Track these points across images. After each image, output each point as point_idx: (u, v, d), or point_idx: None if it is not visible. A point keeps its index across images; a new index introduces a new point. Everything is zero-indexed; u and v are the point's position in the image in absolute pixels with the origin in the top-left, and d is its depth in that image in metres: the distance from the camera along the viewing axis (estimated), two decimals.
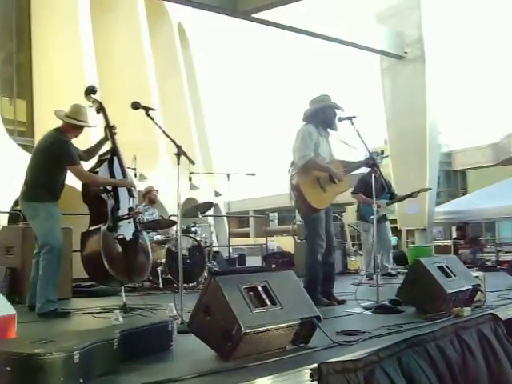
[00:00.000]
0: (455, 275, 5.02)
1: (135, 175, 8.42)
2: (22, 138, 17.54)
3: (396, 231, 25.37)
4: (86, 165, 5.66)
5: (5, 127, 15.86)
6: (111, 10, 21.17)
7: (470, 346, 4.03)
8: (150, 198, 9.12)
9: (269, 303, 3.30)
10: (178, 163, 4.65)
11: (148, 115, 4.82)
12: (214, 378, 2.83)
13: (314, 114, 5.77)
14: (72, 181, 5.59)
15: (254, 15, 10.87)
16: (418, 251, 11.63)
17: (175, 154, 4.59)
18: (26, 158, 6.14)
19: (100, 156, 5.80)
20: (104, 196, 5.56)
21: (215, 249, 13.70)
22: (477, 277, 5.40)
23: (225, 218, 27.62)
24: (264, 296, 3.31)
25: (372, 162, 5.62)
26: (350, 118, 5.46)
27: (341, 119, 5.61)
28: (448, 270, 5.01)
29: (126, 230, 5.56)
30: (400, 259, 11.44)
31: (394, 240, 33.30)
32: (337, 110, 5.79)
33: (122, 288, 5.49)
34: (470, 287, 5.08)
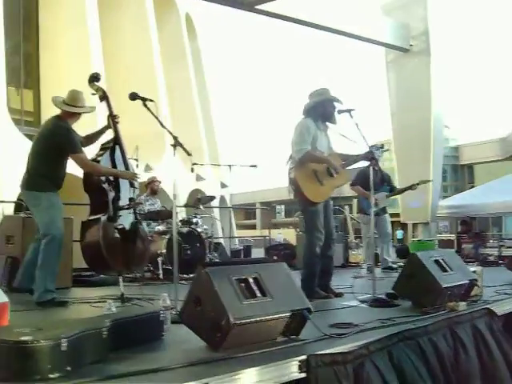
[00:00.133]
0: (452, 269, 5.01)
1: (137, 166, 8.45)
2: (29, 128, 17.54)
3: (402, 225, 25.36)
4: (89, 153, 5.65)
5: (11, 117, 15.89)
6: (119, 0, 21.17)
7: (463, 341, 4.04)
8: (152, 188, 9.14)
9: (259, 295, 3.31)
10: (174, 154, 4.66)
11: (145, 106, 4.81)
12: (202, 368, 2.83)
13: (313, 108, 5.76)
14: (74, 169, 5.57)
15: (258, 6, 10.84)
16: (421, 245, 11.65)
17: (172, 145, 4.60)
18: None
19: (102, 145, 5.79)
20: (105, 186, 5.56)
21: (221, 240, 13.76)
22: (474, 271, 5.39)
23: (231, 210, 27.64)
24: (255, 288, 3.32)
25: (371, 155, 5.61)
26: (348, 111, 5.45)
27: (340, 112, 5.60)
28: (445, 264, 5.00)
29: (126, 219, 5.57)
30: (402, 253, 11.45)
31: (399, 234, 33.36)
32: (336, 103, 5.78)
33: (120, 278, 5.51)
34: (467, 282, 5.07)
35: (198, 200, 8.84)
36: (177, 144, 4.62)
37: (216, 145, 28.04)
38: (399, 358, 3.44)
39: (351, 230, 12.00)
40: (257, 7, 10.82)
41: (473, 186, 35.50)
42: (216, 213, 20.81)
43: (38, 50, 18.85)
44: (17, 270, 6.33)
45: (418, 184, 9.00)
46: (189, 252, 7.82)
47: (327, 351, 3.15)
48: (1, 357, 2.56)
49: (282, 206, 57.89)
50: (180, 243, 7.74)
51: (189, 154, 4.67)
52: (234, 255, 14.25)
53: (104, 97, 5.68)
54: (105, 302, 5.18)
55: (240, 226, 49.26)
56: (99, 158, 5.57)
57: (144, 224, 8.13)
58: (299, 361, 2.96)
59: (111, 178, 5.58)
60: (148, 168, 17.67)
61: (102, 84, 5.74)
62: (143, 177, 9.76)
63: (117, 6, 21.03)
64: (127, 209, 5.57)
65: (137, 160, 8.65)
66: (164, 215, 8.51)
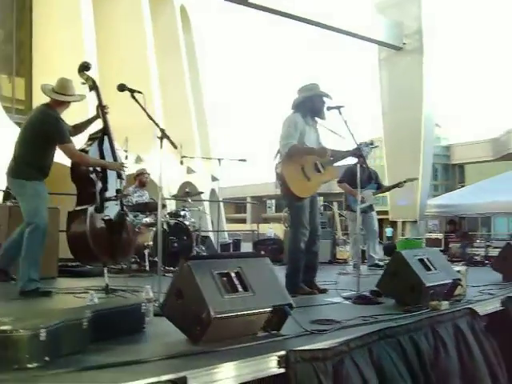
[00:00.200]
0: (436, 268, 5.03)
1: (126, 157, 8.44)
2: (20, 116, 17.48)
3: (392, 223, 25.45)
4: (77, 143, 5.61)
5: (2, 105, 15.83)
6: None
7: (443, 340, 4.05)
8: (140, 180, 9.11)
9: (241, 289, 3.30)
10: (161, 147, 4.64)
11: (133, 97, 4.78)
12: (181, 361, 2.83)
13: (302, 103, 5.77)
14: (61, 158, 5.52)
15: (252, 1, 10.80)
16: (408, 243, 11.68)
17: (158, 138, 4.59)
18: None
19: (91, 135, 5.75)
20: (93, 176, 5.53)
21: (210, 233, 13.78)
22: (458, 271, 5.41)
23: (221, 203, 27.62)
24: (236, 282, 3.32)
25: (359, 152, 5.62)
26: (338, 108, 5.45)
27: (329, 108, 5.60)
28: (429, 263, 5.02)
29: (112, 210, 5.55)
30: (390, 251, 11.49)
31: (389, 231, 33.49)
32: (325, 99, 5.78)
33: (105, 269, 5.51)
34: (450, 281, 5.08)
35: (186, 193, 8.84)
36: (163, 136, 4.61)
37: (208, 138, 28.04)
38: (379, 356, 3.45)
39: (339, 227, 12.02)
40: (250, 1, 10.79)
41: (463, 186, 35.67)
42: (206, 206, 20.82)
43: (30, 39, 18.78)
44: None
45: (404, 182, 9.05)
46: (176, 245, 7.82)
47: (307, 347, 3.16)
48: None
49: (273, 201, 57.96)
50: (167, 236, 7.76)
51: (175, 147, 4.65)
52: (223, 249, 14.30)
53: (94, 86, 5.64)
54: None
55: (230, 220, 49.27)
56: (87, 149, 5.53)
57: (131, 216, 8.14)
58: (278, 356, 2.96)
59: (99, 168, 5.56)
60: (139, 159, 17.66)
61: (94, 74, 5.71)
62: (134, 168, 9.76)
63: None
64: (114, 200, 5.55)
65: (126, 151, 8.66)
66: (152, 207, 8.49)
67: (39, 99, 5.54)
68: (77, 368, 2.61)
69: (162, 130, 4.63)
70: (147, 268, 7.63)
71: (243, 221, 62.59)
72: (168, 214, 8.57)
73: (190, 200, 8.71)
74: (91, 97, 5.77)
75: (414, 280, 4.77)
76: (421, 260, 5.00)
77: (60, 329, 2.79)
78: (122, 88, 4.83)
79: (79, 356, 2.87)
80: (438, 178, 53.60)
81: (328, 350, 3.16)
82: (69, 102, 5.50)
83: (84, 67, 5.65)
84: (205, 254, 8.71)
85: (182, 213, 8.39)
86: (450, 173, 54.12)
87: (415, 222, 15.55)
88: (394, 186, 9.40)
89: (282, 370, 2.96)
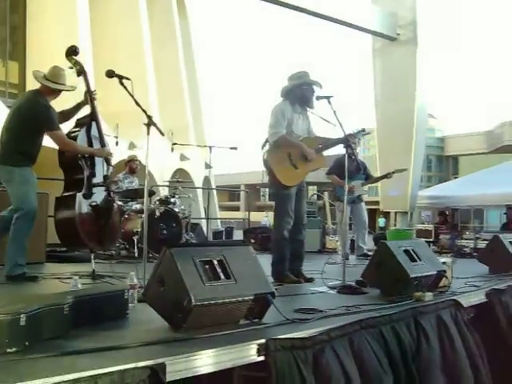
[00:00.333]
0: (421, 260, 5.04)
1: (117, 143, 8.44)
2: (13, 101, 17.39)
3: (384, 213, 25.54)
4: (64, 128, 5.58)
5: None
6: None
7: (426, 331, 4.08)
8: (130, 166, 9.11)
9: (223, 277, 3.31)
10: (148, 133, 4.64)
11: (122, 84, 4.76)
12: (160, 348, 2.85)
13: (291, 91, 5.77)
14: (50, 142, 5.48)
15: None
16: (398, 234, 11.70)
17: (145, 124, 4.58)
18: None
19: (78, 120, 5.74)
20: (81, 162, 5.53)
21: (203, 221, 13.79)
22: (444, 263, 5.43)
23: (214, 191, 27.62)
24: (219, 270, 3.33)
25: (347, 142, 5.62)
26: (327, 98, 5.44)
27: (318, 98, 5.60)
28: (414, 255, 5.03)
29: (99, 196, 5.56)
30: (380, 241, 11.49)
31: (381, 221, 33.54)
32: (315, 88, 5.78)
33: (92, 255, 5.52)
34: (435, 272, 5.11)
35: (176, 181, 8.85)
36: (150, 123, 4.60)
37: (202, 125, 27.94)
38: (360, 346, 3.47)
39: (329, 216, 12.05)
40: None
41: (457, 178, 35.77)
42: (199, 193, 20.81)
43: (24, 22, 18.63)
44: None
45: (393, 172, 9.07)
46: (165, 232, 7.83)
47: (288, 336, 3.18)
48: None
49: (267, 189, 57.92)
50: (156, 223, 7.77)
51: (162, 134, 4.66)
52: (215, 237, 14.33)
53: (82, 71, 5.61)
54: None
55: (223, 208, 49.31)
56: (74, 135, 5.52)
57: (120, 202, 8.15)
58: (258, 344, 2.98)
59: (87, 155, 5.55)
60: (132, 145, 17.59)
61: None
62: (127, 154, 9.76)
63: None
64: (102, 186, 5.55)
65: (117, 137, 8.66)
66: (142, 194, 8.47)
67: (33, 83, 5.52)
68: (56, 353, 2.62)
69: (149, 117, 4.63)
70: (136, 254, 7.64)
71: (237, 208, 62.67)
72: (158, 200, 8.57)
73: (180, 187, 8.70)
74: (80, 82, 5.73)
75: (398, 271, 4.79)
76: (406, 251, 5.01)
77: (40, 314, 2.80)
78: (110, 74, 4.81)
79: (60, 341, 2.88)
80: (432, 170, 53.76)
81: (308, 338, 3.18)
82: (59, 91, 5.47)
83: (72, 51, 5.62)
84: (194, 241, 8.72)
85: (172, 200, 8.39)
86: (444, 164, 54.26)
87: (405, 212, 15.61)
88: (382, 177, 9.44)
89: (262, 358, 2.98)
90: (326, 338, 3.28)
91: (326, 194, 12.47)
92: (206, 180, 24.71)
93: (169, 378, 2.56)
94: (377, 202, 18.14)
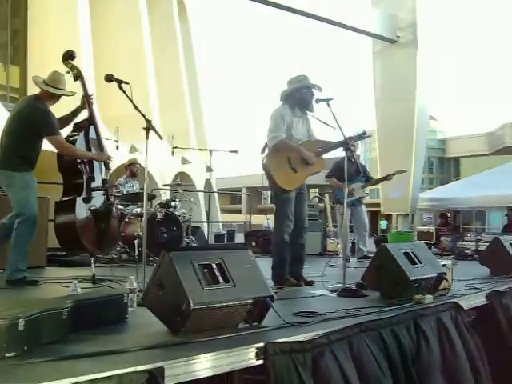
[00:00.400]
0: (421, 262, 5.04)
1: (117, 147, 8.45)
2: (14, 105, 17.43)
3: (386, 215, 25.53)
4: (62, 132, 5.59)
5: None
6: None
7: (425, 334, 4.07)
8: (131, 170, 9.13)
9: (222, 281, 3.32)
10: (147, 137, 4.64)
11: (121, 88, 4.78)
12: (159, 352, 2.85)
13: (291, 95, 5.78)
14: (50, 146, 5.48)
15: None
16: (399, 237, 11.69)
17: (144, 129, 4.59)
18: None
19: (76, 124, 5.73)
20: (80, 167, 5.54)
21: (204, 224, 13.80)
22: (444, 265, 5.43)
23: (216, 194, 27.65)
24: (217, 273, 3.33)
25: (347, 145, 5.62)
26: (326, 101, 5.44)
27: (318, 101, 5.60)
28: (414, 257, 5.03)
29: (98, 200, 5.58)
30: (380, 243, 11.48)
31: (383, 224, 33.53)
32: (315, 91, 5.78)
33: (92, 259, 5.53)
34: (435, 275, 5.10)
35: (177, 185, 8.86)
36: (149, 127, 4.61)
37: (203, 129, 27.99)
38: (359, 349, 3.47)
39: (330, 219, 12.05)
40: None
41: (458, 179, 35.73)
42: (200, 197, 20.83)
43: (26, 26, 18.70)
44: None
45: (393, 174, 9.05)
46: (165, 235, 7.83)
47: (286, 339, 3.17)
48: None
49: (269, 192, 57.72)
50: (157, 226, 7.78)
51: (160, 138, 4.67)
52: (217, 240, 14.33)
53: (78, 76, 5.61)
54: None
55: (225, 211, 49.29)
56: (72, 139, 5.53)
57: (121, 206, 8.16)
58: (257, 348, 2.98)
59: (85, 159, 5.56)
60: (133, 149, 17.62)
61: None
62: (128, 158, 9.77)
63: None
64: (100, 190, 5.56)
65: (117, 141, 8.66)
66: (142, 197, 8.49)
67: (34, 88, 5.53)
68: (54, 357, 2.63)
69: (148, 121, 4.63)
70: (136, 258, 7.63)
71: (239, 211, 62.67)
72: (158, 204, 8.58)
73: (180, 191, 8.71)
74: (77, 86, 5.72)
75: (398, 273, 4.79)
76: (406, 253, 5.01)
77: (39, 318, 2.81)
78: (109, 79, 4.82)
79: (58, 345, 2.89)
80: (434, 172, 53.74)
81: (307, 342, 3.17)
82: (59, 96, 5.48)
83: (68, 56, 5.62)
84: (195, 244, 8.73)
85: (173, 203, 8.40)
86: (446, 166, 54.22)
87: (406, 215, 15.61)
88: (382, 179, 9.43)
89: (261, 362, 2.98)
90: (326, 342, 3.28)
91: (326, 196, 12.46)
92: (208, 183, 24.76)
93: (167, 382, 2.56)
94: (378, 205, 18.14)
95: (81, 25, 18.05)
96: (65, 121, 5.71)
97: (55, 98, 5.48)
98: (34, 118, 5.28)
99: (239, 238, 16.14)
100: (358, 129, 6.27)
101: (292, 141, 5.69)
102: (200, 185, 22.36)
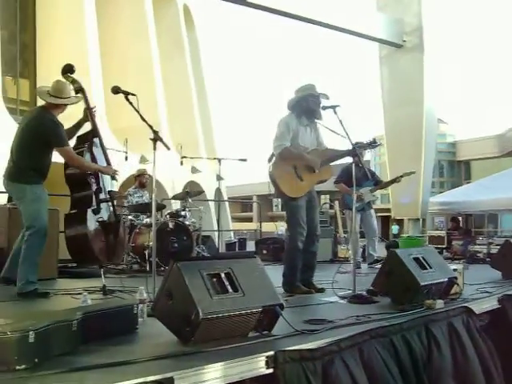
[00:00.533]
0: (431, 267, 5.01)
1: (126, 158, 8.50)
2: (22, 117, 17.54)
3: (398, 220, 25.49)
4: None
5: (6, 106, 15.90)
6: None
7: (437, 339, 4.05)
8: (140, 181, 9.16)
9: (230, 290, 3.32)
10: (155, 148, 4.66)
11: (127, 100, 4.79)
12: (169, 362, 2.86)
13: (297, 103, 5.79)
14: (60, 158, 5.51)
15: (250, 0, 10.79)
16: (410, 242, 11.63)
17: (151, 139, 4.60)
18: None
19: (80, 136, 5.74)
20: (89, 179, 5.56)
21: (215, 233, 13.79)
22: (455, 269, 5.40)
23: (226, 203, 27.68)
24: (226, 283, 3.34)
25: (354, 152, 5.62)
26: (333, 107, 5.45)
27: (324, 108, 5.62)
28: (424, 262, 5.00)
29: (105, 212, 5.60)
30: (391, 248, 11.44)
31: (395, 229, 33.51)
32: (322, 99, 5.79)
33: (102, 270, 5.54)
34: (446, 280, 5.08)
35: (186, 193, 8.87)
36: (157, 138, 4.62)
37: (212, 137, 28.04)
38: (370, 356, 3.45)
39: (340, 225, 12.02)
40: (249, 1, 10.78)
41: (469, 183, 35.56)
42: (211, 206, 20.85)
43: (34, 40, 18.85)
44: (3, 261, 6.36)
45: (401, 176, 9.01)
46: (176, 245, 7.84)
47: (297, 347, 3.17)
48: None
49: (279, 199, 57.70)
50: (167, 236, 7.79)
51: (168, 148, 4.68)
52: (228, 248, 14.31)
53: (80, 89, 5.62)
54: (88, 294, 5.25)
55: (236, 219, 49.30)
56: (78, 151, 5.53)
57: (131, 216, 8.19)
58: (267, 356, 2.98)
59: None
60: (143, 159, 17.66)
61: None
62: (138, 168, 9.81)
63: None
64: (108, 201, 5.59)
65: (126, 152, 8.72)
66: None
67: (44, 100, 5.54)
68: (65, 369, 2.64)
69: (155, 132, 4.64)
70: (147, 268, 7.65)
71: (250, 219, 62.60)
72: (168, 214, 8.60)
73: (190, 200, 8.73)
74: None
75: (409, 279, 4.77)
76: (416, 259, 4.98)
77: (49, 331, 2.83)
78: (116, 90, 4.84)
79: (69, 357, 2.91)
80: (444, 175, 53.54)
81: (316, 349, 3.17)
82: (65, 105, 5.49)
83: (68, 69, 5.64)
84: (206, 253, 8.74)
85: (183, 213, 8.42)
86: (456, 170, 53.99)
87: (418, 219, 15.56)
88: (391, 182, 9.41)
89: (271, 371, 2.98)
90: (336, 349, 3.27)
91: (336, 202, 12.44)
92: (218, 192, 24.80)
93: None
94: (390, 210, 18.10)
95: (89, 37, 18.17)
96: (68, 134, 5.67)
97: (61, 107, 5.48)
98: (42, 129, 5.29)
99: (250, 246, 16.13)
100: (368, 136, 6.25)
101: (299, 149, 5.70)
102: (210, 193, 22.39)
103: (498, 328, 5.11)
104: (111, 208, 5.65)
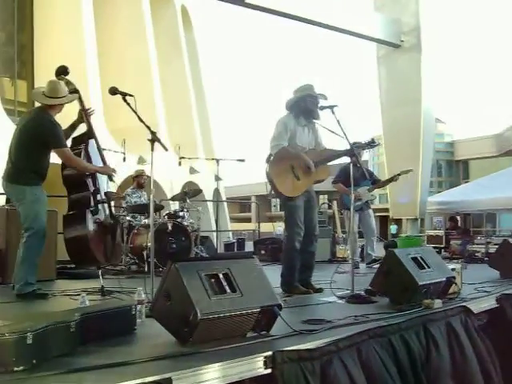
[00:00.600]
0: (429, 267, 5.01)
1: (124, 159, 8.49)
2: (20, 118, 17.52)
3: (396, 220, 25.53)
4: None
5: (4, 107, 15.87)
6: None
7: (435, 338, 4.05)
8: (138, 181, 9.17)
9: (228, 290, 3.32)
10: (152, 149, 4.66)
11: (125, 101, 4.79)
12: (167, 363, 2.86)
13: (296, 103, 5.80)
14: (58, 159, 5.50)
15: (249, 1, 10.78)
16: (408, 241, 11.62)
17: (149, 140, 4.60)
18: None
19: (75, 138, 5.72)
20: (87, 180, 5.56)
21: (213, 233, 13.79)
22: (453, 269, 5.40)
23: (225, 203, 27.67)
24: (224, 283, 3.34)
25: (352, 152, 5.63)
26: (331, 107, 5.46)
27: (322, 108, 5.62)
28: (422, 262, 5.01)
29: (102, 213, 5.60)
30: (391, 248, 11.44)
31: (393, 228, 33.51)
32: (320, 99, 5.79)
33: (99, 271, 5.54)
34: (444, 279, 5.08)
35: (184, 194, 8.87)
36: (154, 139, 4.62)
37: (211, 137, 28.02)
38: (368, 355, 3.46)
39: (339, 225, 12.02)
40: (247, 1, 10.77)
41: (467, 182, 35.57)
42: (210, 206, 20.84)
43: (32, 41, 18.81)
44: (0, 262, 6.36)
45: (399, 175, 9.00)
46: (174, 245, 7.84)
47: (295, 347, 3.17)
48: None
49: (278, 199, 57.76)
50: (165, 237, 7.79)
51: (165, 149, 4.68)
52: (227, 249, 14.30)
53: (74, 91, 5.60)
54: (87, 295, 5.24)
55: (235, 219, 49.32)
56: (75, 152, 5.52)
57: (129, 217, 8.19)
58: (265, 357, 2.98)
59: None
60: (142, 160, 17.65)
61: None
62: (136, 168, 9.81)
63: None
64: (104, 203, 5.59)
65: (124, 153, 8.71)
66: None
67: None
68: (63, 370, 2.64)
69: (153, 133, 4.65)
70: (145, 269, 7.64)
71: (248, 220, 62.64)
72: (166, 214, 8.60)
73: (188, 200, 8.72)
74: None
75: (407, 279, 4.77)
76: (414, 258, 4.99)
77: (47, 332, 2.82)
78: (113, 91, 4.84)
79: (67, 358, 2.90)
80: (443, 175, 53.62)
81: (315, 349, 3.17)
82: (62, 105, 5.48)
83: (62, 71, 5.61)
84: (204, 254, 8.74)
85: (181, 213, 8.41)
86: (454, 169, 54.04)
87: (417, 219, 15.57)
88: (389, 180, 9.40)
89: (269, 371, 2.98)
90: (334, 349, 3.27)
91: (334, 202, 12.44)
92: (216, 192, 24.79)
93: None
94: (388, 209, 18.12)
95: (86, 38, 18.15)
96: (64, 135, 5.69)
97: (58, 107, 5.46)
98: (41, 130, 5.29)
99: (249, 247, 16.13)
100: (366, 136, 6.26)
101: (296, 149, 5.70)
102: (209, 194, 22.37)
103: (497, 327, 5.11)
104: (107, 209, 5.64)
